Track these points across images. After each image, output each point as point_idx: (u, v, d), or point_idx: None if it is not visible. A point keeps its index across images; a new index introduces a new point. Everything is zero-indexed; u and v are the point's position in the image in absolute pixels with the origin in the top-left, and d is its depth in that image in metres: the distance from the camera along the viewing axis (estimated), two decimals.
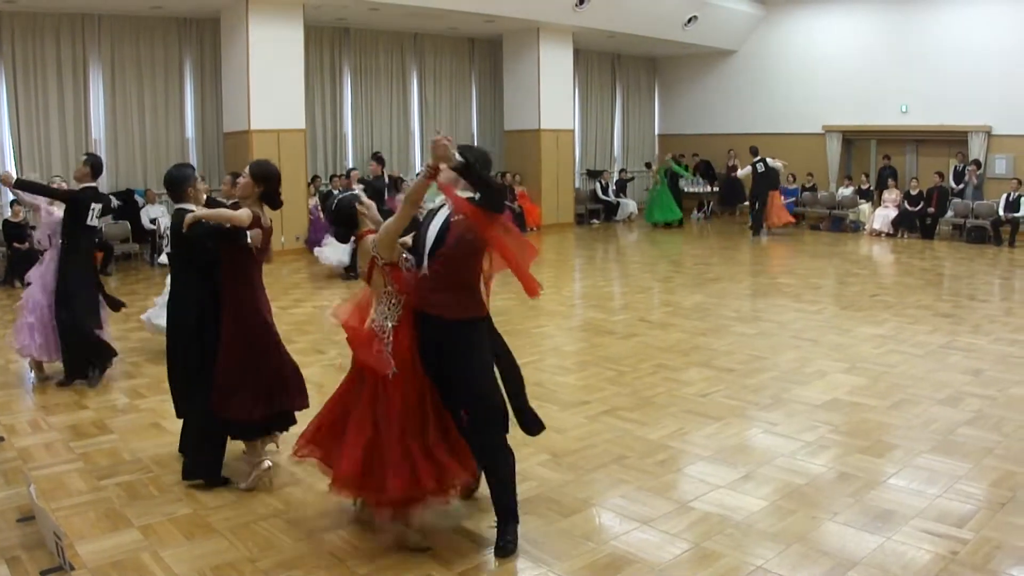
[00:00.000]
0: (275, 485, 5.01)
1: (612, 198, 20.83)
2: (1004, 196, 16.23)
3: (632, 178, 21.86)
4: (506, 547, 4.11)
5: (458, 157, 3.87)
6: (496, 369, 4.21)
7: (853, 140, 20.30)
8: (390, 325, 4.12)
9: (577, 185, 20.62)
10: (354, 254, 12.57)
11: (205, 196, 5.62)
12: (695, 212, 21.63)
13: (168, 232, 5.54)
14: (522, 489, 4.45)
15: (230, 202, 5.45)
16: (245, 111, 14.11)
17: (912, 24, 18.30)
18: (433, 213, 4.16)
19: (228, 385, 4.84)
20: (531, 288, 4.15)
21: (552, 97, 18.54)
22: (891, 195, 17.87)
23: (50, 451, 5.64)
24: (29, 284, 7.40)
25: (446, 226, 4.05)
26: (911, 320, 9.55)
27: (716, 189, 21.32)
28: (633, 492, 4.91)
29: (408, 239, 4.29)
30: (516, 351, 4.43)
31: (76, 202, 7.17)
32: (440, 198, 4.22)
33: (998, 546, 4.17)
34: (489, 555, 4.14)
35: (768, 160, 17.72)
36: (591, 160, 21.94)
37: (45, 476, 5.15)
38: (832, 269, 13.79)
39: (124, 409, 6.58)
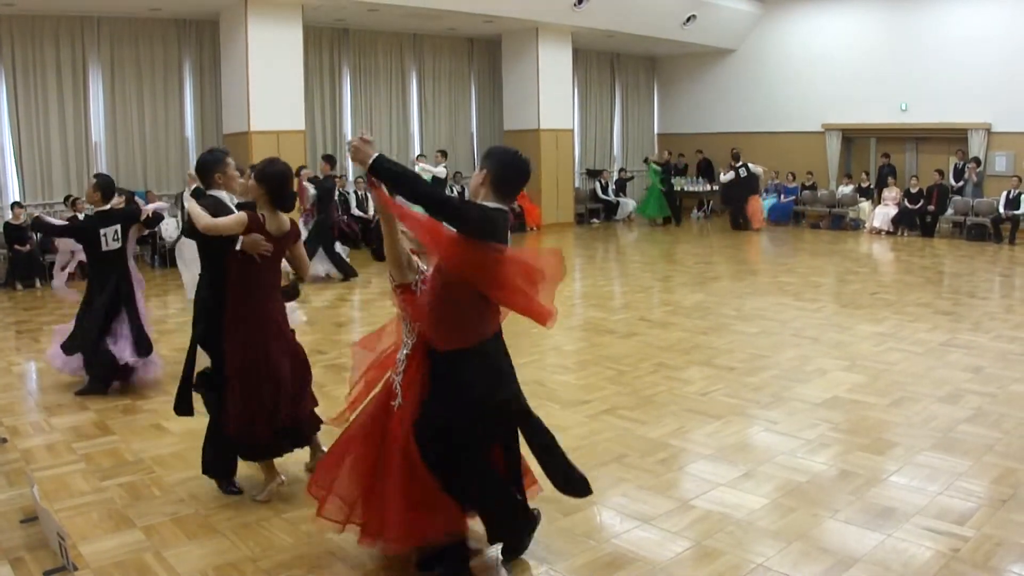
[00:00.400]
0: (276, 484, 5.01)
1: (612, 197, 20.85)
2: (1004, 193, 16.24)
3: (632, 177, 21.87)
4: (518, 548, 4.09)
5: (372, 155, 3.56)
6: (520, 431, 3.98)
7: (853, 138, 20.30)
8: (404, 353, 3.91)
9: (577, 184, 20.63)
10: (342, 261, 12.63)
11: (240, 182, 5.22)
12: (695, 211, 21.67)
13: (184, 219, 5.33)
14: None
15: (236, 201, 5.25)
16: (244, 112, 14.12)
17: (911, 21, 18.31)
18: None
19: (231, 401, 4.67)
20: (539, 314, 3.66)
21: (551, 97, 18.56)
22: (891, 193, 17.88)
23: (53, 452, 5.65)
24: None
25: None
26: (911, 318, 9.56)
27: (716, 188, 21.34)
28: (634, 490, 4.91)
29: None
30: (516, 350, 4.25)
31: (84, 232, 7.04)
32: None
33: (999, 543, 4.17)
34: (492, 552, 4.14)
35: (750, 165, 18.63)
36: (591, 159, 21.95)
37: (48, 477, 5.16)
38: (832, 267, 13.80)
39: (126, 410, 6.58)
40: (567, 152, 19.36)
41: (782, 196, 19.81)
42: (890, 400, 6.55)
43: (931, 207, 17.14)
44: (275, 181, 4.70)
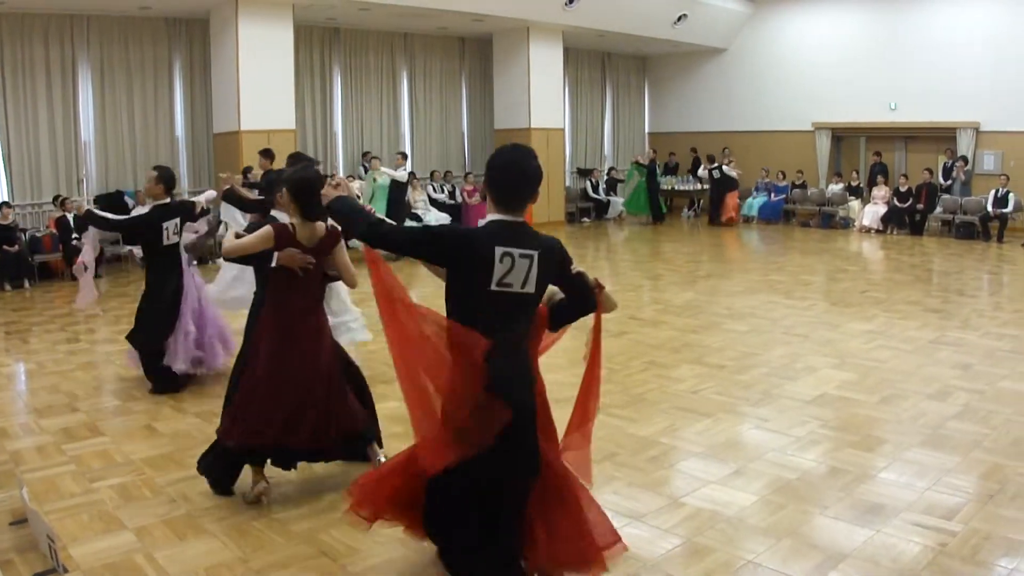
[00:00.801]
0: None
1: (602, 196, 20.86)
2: (992, 192, 16.33)
3: (623, 180, 21.89)
4: None
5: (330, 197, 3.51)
6: None
7: (842, 137, 20.37)
8: None
9: (567, 183, 20.64)
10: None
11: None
12: (685, 210, 21.74)
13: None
14: None
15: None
16: (235, 111, 14.09)
17: (900, 21, 18.38)
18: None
19: (228, 399, 4.62)
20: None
21: (542, 96, 18.56)
22: (880, 192, 17.94)
23: (42, 454, 5.64)
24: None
25: None
26: (900, 315, 9.60)
27: (707, 187, 21.41)
28: (625, 488, 4.93)
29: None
30: None
31: (145, 226, 6.88)
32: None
33: (987, 537, 4.20)
34: None
35: (724, 167, 19.48)
36: (581, 158, 21.95)
37: (38, 479, 5.15)
38: (822, 265, 13.85)
39: (116, 412, 6.57)
40: (558, 151, 19.35)
41: (772, 195, 19.88)
42: (879, 397, 6.58)
43: (920, 205, 17.21)
44: (296, 188, 4.50)
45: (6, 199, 13.28)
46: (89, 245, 7.57)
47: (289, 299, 4.59)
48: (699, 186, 21.23)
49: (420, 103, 18.86)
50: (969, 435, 5.69)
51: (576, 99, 21.85)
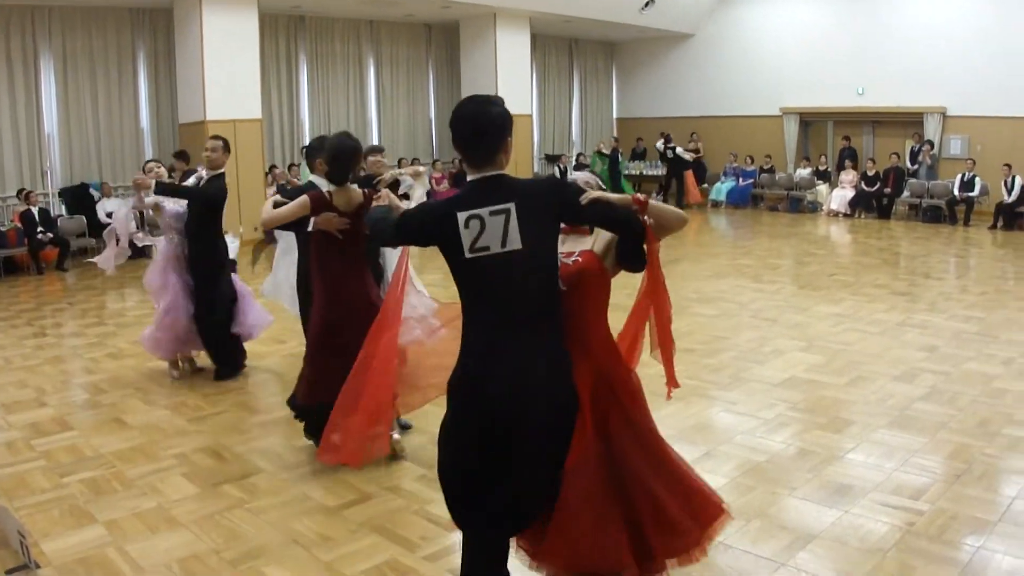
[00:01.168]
0: (238, 475, 5.01)
1: None
2: (959, 176, 16.50)
3: (590, 166, 21.92)
4: None
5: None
6: None
7: (810, 122, 20.50)
8: None
9: (536, 170, 20.64)
10: None
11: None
12: (654, 194, 21.75)
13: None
14: None
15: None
16: (200, 101, 13.94)
17: (868, 6, 18.48)
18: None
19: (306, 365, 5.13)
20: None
21: (510, 82, 18.48)
22: (848, 176, 18.09)
23: (11, 449, 5.57)
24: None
25: None
26: (868, 299, 9.70)
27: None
28: None
29: None
30: None
31: (219, 195, 6.73)
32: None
33: (953, 516, 4.27)
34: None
35: (677, 149, 20.17)
36: (549, 145, 21.96)
37: (7, 475, 5.10)
38: (790, 249, 13.96)
39: (84, 405, 6.52)
40: (526, 137, 19.34)
41: (740, 179, 20.00)
42: (847, 379, 6.66)
43: (887, 190, 17.38)
44: (331, 153, 4.89)
45: None
46: (123, 230, 7.27)
47: (330, 261, 4.89)
48: (665, 171, 21.37)
49: (387, 90, 18.75)
50: (936, 416, 5.77)
51: (544, 85, 21.82)
